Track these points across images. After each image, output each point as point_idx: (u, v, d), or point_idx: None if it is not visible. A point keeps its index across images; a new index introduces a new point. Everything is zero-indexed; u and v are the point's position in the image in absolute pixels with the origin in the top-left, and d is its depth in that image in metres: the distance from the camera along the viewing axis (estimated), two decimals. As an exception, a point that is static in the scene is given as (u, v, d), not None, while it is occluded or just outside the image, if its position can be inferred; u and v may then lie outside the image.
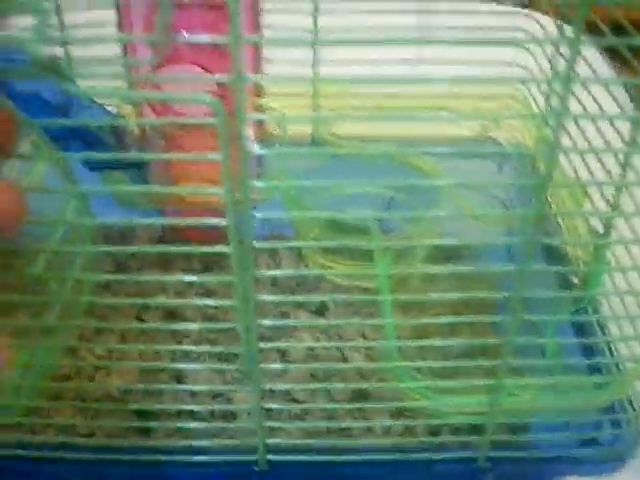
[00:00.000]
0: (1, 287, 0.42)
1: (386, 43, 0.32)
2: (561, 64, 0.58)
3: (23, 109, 0.44)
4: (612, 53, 0.50)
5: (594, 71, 0.48)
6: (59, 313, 0.43)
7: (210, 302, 0.35)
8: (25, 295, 0.42)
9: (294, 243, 0.53)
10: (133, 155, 0.48)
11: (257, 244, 0.33)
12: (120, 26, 0.60)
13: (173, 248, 0.35)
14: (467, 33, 0.59)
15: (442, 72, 0.61)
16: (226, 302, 0.35)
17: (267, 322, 0.36)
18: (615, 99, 0.45)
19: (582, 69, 0.48)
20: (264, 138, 0.64)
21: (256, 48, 0.62)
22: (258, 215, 0.32)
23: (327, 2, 0.63)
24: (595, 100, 0.48)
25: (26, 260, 0.42)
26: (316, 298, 0.59)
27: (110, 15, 0.61)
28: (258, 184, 0.32)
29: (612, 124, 0.44)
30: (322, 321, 0.59)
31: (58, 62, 0.28)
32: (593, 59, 0.49)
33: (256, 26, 0.62)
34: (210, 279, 0.39)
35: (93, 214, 0.46)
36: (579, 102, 0.45)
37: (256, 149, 0.63)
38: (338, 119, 0.60)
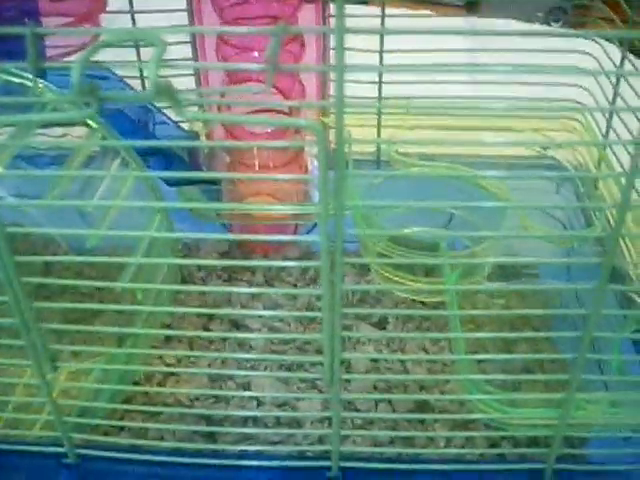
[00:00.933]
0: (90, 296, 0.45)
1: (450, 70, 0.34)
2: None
3: (111, 124, 0.47)
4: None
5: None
6: (143, 323, 0.45)
7: (302, 314, 0.36)
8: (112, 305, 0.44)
9: (384, 260, 0.55)
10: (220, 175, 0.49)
11: (347, 259, 0.35)
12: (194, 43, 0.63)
13: (268, 262, 0.37)
14: (532, 57, 0.61)
15: (505, 93, 0.63)
16: (314, 314, 0.37)
17: (352, 333, 0.37)
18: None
19: None
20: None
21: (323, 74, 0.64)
22: (350, 231, 0.34)
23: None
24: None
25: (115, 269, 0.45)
26: (398, 312, 0.61)
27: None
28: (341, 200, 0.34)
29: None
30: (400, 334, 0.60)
31: (172, 88, 0.29)
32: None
33: (323, 43, 0.64)
34: (302, 291, 0.40)
35: (174, 227, 0.48)
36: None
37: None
38: (409, 139, 0.61)
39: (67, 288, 0.58)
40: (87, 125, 0.45)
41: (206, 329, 0.63)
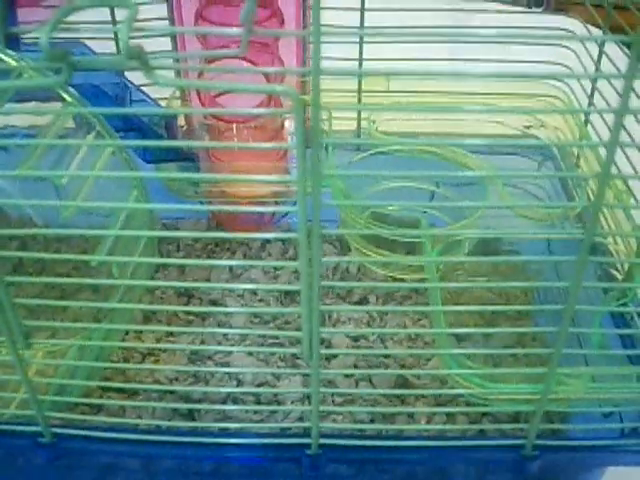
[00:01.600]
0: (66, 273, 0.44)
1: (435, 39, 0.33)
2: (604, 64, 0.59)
3: (87, 102, 0.46)
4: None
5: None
6: (120, 298, 0.44)
7: (280, 287, 0.36)
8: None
9: (365, 231, 0.54)
10: (199, 144, 0.49)
11: (325, 231, 0.34)
12: (172, 20, 0.62)
13: (249, 235, 0.36)
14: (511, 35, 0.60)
15: (485, 70, 0.63)
16: (292, 287, 0.36)
17: (331, 307, 0.37)
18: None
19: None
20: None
21: (302, 44, 0.63)
22: (328, 202, 0.33)
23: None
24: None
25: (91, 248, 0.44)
26: (382, 287, 0.60)
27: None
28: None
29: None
30: (379, 307, 0.60)
31: (144, 51, 0.29)
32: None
33: (303, 22, 0.63)
34: (279, 263, 0.39)
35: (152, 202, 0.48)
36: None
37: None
38: (387, 111, 0.61)
39: (43, 269, 0.57)
40: (61, 99, 0.44)
41: (185, 311, 0.62)
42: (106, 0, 0.31)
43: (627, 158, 0.50)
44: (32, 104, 0.47)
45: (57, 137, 0.44)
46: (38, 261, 0.57)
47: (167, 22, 0.62)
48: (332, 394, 0.54)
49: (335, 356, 0.57)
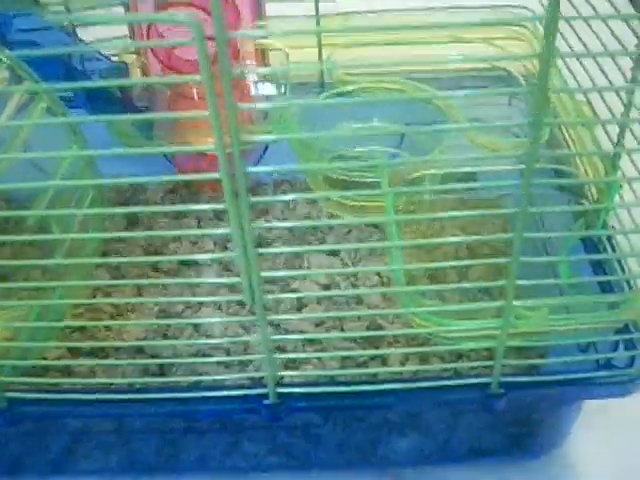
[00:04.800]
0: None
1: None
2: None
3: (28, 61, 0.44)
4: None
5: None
6: (65, 255, 0.43)
7: (208, 231, 0.34)
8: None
9: (295, 167, 0.53)
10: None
11: (250, 169, 0.33)
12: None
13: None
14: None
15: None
16: (222, 231, 0.35)
17: (265, 250, 0.35)
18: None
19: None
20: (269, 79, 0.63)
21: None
22: (254, 139, 0.32)
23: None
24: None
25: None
26: (309, 223, 0.59)
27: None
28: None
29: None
30: (323, 247, 0.58)
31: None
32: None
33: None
34: (204, 207, 0.37)
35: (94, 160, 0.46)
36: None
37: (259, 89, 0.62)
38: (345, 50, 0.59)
39: None
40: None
41: (155, 268, 0.61)
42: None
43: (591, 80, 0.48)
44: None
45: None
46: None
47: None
48: (303, 343, 0.53)
49: (305, 305, 0.56)
